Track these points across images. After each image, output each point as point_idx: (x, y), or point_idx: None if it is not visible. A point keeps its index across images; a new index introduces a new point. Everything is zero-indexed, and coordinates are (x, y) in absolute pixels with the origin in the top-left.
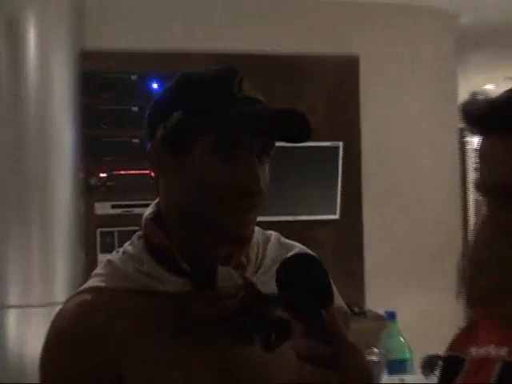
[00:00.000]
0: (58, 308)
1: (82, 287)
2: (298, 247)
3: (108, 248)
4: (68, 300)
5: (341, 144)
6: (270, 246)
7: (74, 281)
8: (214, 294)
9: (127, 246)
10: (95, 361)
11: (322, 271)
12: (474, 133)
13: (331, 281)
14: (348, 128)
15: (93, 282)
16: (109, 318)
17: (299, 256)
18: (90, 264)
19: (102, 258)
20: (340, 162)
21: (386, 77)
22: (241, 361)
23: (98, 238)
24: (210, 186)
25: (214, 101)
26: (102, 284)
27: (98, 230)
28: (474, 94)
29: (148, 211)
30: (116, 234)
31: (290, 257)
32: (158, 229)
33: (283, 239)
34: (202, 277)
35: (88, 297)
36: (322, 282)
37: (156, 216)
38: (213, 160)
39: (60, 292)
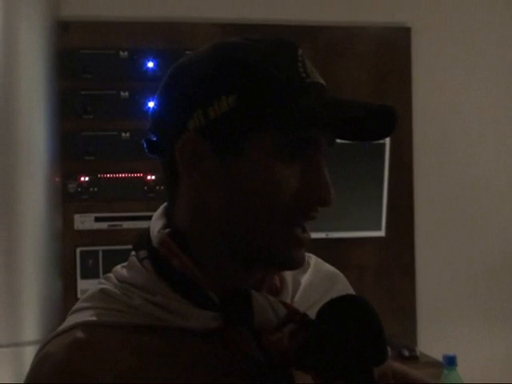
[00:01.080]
0: (26, 349)
1: (66, 325)
2: (312, 265)
3: (91, 272)
4: (49, 342)
5: (387, 141)
6: (311, 265)
7: (48, 315)
8: (252, 329)
9: (121, 270)
10: None
11: (377, 320)
12: None
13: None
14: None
15: (81, 316)
16: (112, 362)
17: (350, 298)
18: (67, 293)
19: (83, 285)
20: (386, 163)
21: (445, 53)
22: None
23: (78, 260)
24: (268, 196)
25: (280, 87)
26: (97, 318)
27: (78, 249)
28: None
29: (158, 224)
30: (101, 254)
31: (338, 298)
32: (179, 248)
33: (314, 257)
34: (236, 308)
35: (80, 335)
36: (375, 334)
37: (174, 231)
38: (274, 162)
39: (29, 329)
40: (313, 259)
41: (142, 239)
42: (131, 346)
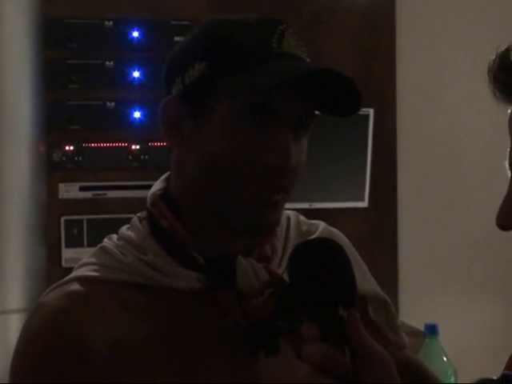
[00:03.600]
0: (12, 317)
1: (67, 277)
2: (322, 228)
3: (75, 241)
4: (47, 293)
5: (371, 111)
6: (291, 229)
7: (32, 284)
8: (235, 292)
9: (125, 230)
10: (87, 367)
11: (343, 260)
12: (503, 101)
13: (355, 271)
14: (380, 91)
15: (81, 271)
16: (105, 315)
17: (314, 241)
18: (52, 261)
19: (68, 253)
20: (370, 134)
21: (430, 23)
22: (263, 372)
23: (63, 229)
24: (229, 161)
25: (247, 55)
26: (94, 274)
27: (63, 218)
28: (504, 53)
29: (156, 186)
30: (85, 223)
31: (304, 242)
32: (167, 209)
33: (303, 218)
34: (220, 271)
35: (77, 287)
36: (341, 273)
37: (166, 193)
38: (236, 128)
39: (14, 297)
40: (322, 225)
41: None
42: (119, 301)
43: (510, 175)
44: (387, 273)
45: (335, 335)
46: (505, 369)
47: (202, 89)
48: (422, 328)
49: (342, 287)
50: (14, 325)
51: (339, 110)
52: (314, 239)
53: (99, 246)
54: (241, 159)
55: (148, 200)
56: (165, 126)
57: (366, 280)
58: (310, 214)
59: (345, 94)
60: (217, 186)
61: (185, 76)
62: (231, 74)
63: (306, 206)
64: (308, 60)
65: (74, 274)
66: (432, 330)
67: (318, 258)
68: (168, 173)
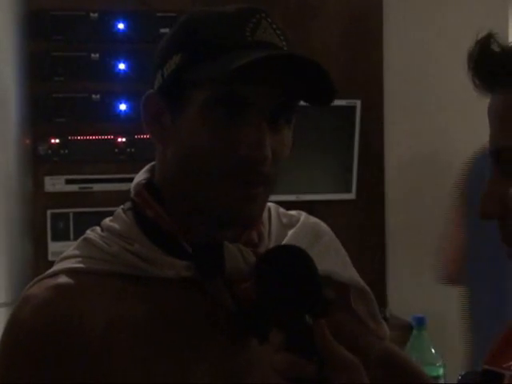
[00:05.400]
0: None
1: (51, 271)
2: (303, 219)
3: (61, 234)
4: (32, 285)
5: (358, 103)
6: (272, 220)
7: (18, 277)
8: (224, 278)
9: (108, 221)
10: (75, 357)
11: (309, 268)
12: (483, 89)
13: (320, 279)
14: (367, 82)
15: (65, 263)
16: (93, 305)
17: (279, 250)
18: (38, 255)
19: (54, 247)
20: (357, 125)
21: (416, 13)
22: (250, 360)
23: (49, 222)
24: (203, 154)
25: (218, 45)
26: (80, 265)
27: (49, 211)
28: (485, 41)
29: (140, 177)
30: (71, 216)
31: (268, 251)
32: (153, 199)
33: (282, 210)
34: (208, 258)
35: (64, 279)
36: (307, 281)
37: (150, 183)
38: (207, 120)
39: (0, 291)
40: (303, 216)
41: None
42: (107, 290)
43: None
44: (375, 265)
45: (302, 344)
46: (485, 363)
47: (177, 81)
48: (409, 320)
49: (308, 296)
50: (0, 318)
51: (318, 99)
52: (279, 248)
53: (82, 237)
54: (213, 151)
55: (132, 190)
56: (146, 120)
57: (347, 269)
58: (297, 206)
59: (318, 81)
60: (194, 178)
61: (163, 69)
62: (202, 65)
63: (292, 198)
64: (285, 48)
65: (58, 267)
66: (420, 322)
67: (282, 268)
68: (152, 163)
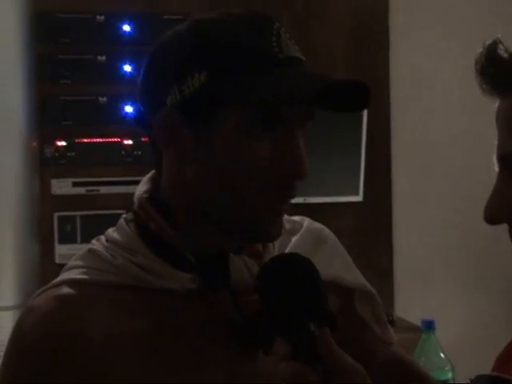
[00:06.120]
0: (5, 313)
1: (55, 281)
2: (306, 225)
3: (68, 237)
4: (36, 296)
5: None
6: None
7: (25, 281)
8: (229, 290)
9: (111, 232)
10: (78, 368)
11: (312, 277)
12: (490, 93)
13: (323, 285)
14: (374, 85)
15: (70, 274)
16: (96, 316)
17: (282, 257)
18: (45, 258)
19: (61, 250)
20: (364, 128)
21: (423, 18)
22: (256, 370)
23: (56, 225)
24: (240, 172)
25: (250, 62)
26: (84, 276)
27: (56, 214)
28: (492, 46)
29: (142, 188)
30: (78, 219)
31: (272, 259)
32: (156, 212)
33: (286, 216)
34: (213, 270)
35: (66, 290)
36: (309, 289)
37: (154, 195)
38: (246, 137)
39: (7, 294)
40: (306, 221)
41: (131, 202)
42: (110, 302)
43: (497, 170)
44: (382, 267)
45: (307, 352)
46: (494, 370)
47: (203, 100)
48: (418, 323)
49: (311, 304)
50: (8, 321)
51: (344, 107)
52: (282, 256)
53: (87, 248)
54: (253, 169)
55: (135, 202)
56: (162, 138)
57: (351, 273)
58: (305, 208)
59: (351, 92)
60: (223, 196)
61: (182, 86)
62: (236, 84)
63: (300, 200)
64: (304, 59)
65: (62, 277)
66: (428, 325)
67: (285, 277)
68: (152, 172)
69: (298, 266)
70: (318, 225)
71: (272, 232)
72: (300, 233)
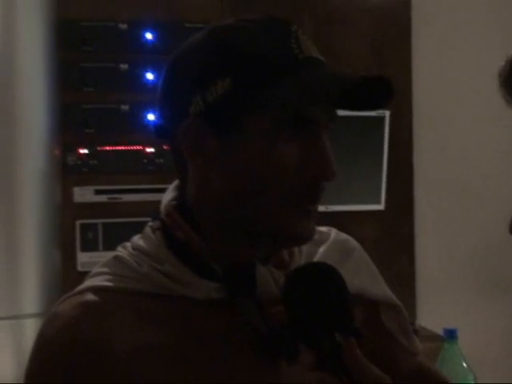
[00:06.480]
0: (27, 321)
1: (80, 287)
2: (333, 236)
3: (90, 245)
4: (60, 302)
5: (387, 113)
6: None
7: (47, 288)
8: (254, 300)
9: (137, 239)
10: (101, 375)
11: (339, 286)
12: None
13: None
14: (396, 93)
15: (95, 280)
16: (120, 324)
17: (310, 266)
18: (67, 266)
19: (83, 257)
20: (386, 137)
21: (445, 25)
22: (280, 381)
23: (78, 233)
24: (269, 175)
25: (272, 66)
26: (109, 283)
27: (78, 221)
28: None
29: (168, 196)
30: (100, 227)
31: (299, 267)
32: (183, 220)
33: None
34: (238, 280)
35: (91, 297)
36: (336, 299)
37: (180, 203)
38: (273, 141)
39: (29, 302)
40: (333, 232)
41: (157, 210)
42: (135, 310)
43: None
44: (404, 276)
45: (333, 362)
46: None
47: (228, 106)
48: (440, 332)
49: (338, 314)
50: (30, 329)
51: (368, 104)
52: (309, 265)
53: (113, 255)
54: (281, 172)
55: (162, 210)
56: (186, 146)
57: (377, 285)
58: (327, 216)
59: (377, 92)
60: (252, 201)
61: (205, 94)
62: (261, 89)
63: (322, 208)
64: (323, 59)
65: (87, 283)
66: (451, 334)
67: (313, 285)
68: (177, 181)
69: (325, 275)
70: (345, 236)
71: (302, 234)
72: (327, 243)
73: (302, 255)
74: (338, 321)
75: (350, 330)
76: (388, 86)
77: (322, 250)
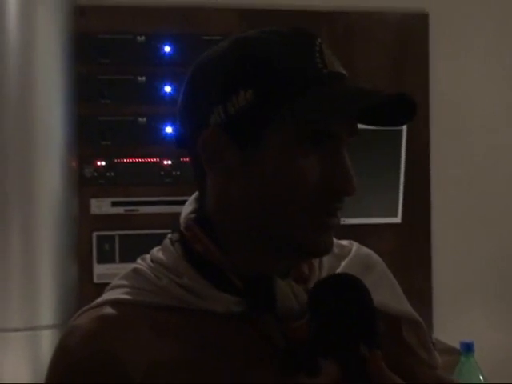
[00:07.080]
0: (44, 332)
1: (99, 300)
2: (355, 250)
3: (107, 257)
4: (79, 315)
5: (404, 127)
6: None
7: (64, 300)
8: (274, 314)
9: (156, 252)
10: None
11: (364, 298)
12: None
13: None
14: None
15: (113, 293)
16: (139, 338)
17: (335, 278)
18: (83, 278)
19: (100, 269)
20: (403, 150)
21: (462, 39)
22: None
23: (95, 245)
24: (290, 188)
25: (296, 79)
26: (127, 297)
27: (95, 233)
28: None
29: (187, 209)
30: (117, 238)
31: (324, 279)
32: (202, 233)
33: (334, 240)
34: (259, 294)
35: (109, 310)
36: (362, 311)
37: (200, 216)
38: (294, 155)
39: (46, 313)
40: (355, 246)
41: (176, 222)
42: (153, 323)
43: None
44: (421, 289)
45: (357, 374)
46: None
47: (249, 118)
48: (456, 346)
49: (363, 326)
50: (47, 340)
51: (389, 121)
52: (335, 276)
53: (132, 267)
54: (302, 186)
55: (181, 223)
56: (205, 156)
57: (399, 301)
58: (343, 229)
59: (399, 108)
60: (271, 213)
61: (227, 105)
62: (284, 102)
63: None
64: (346, 74)
65: (106, 296)
66: (468, 348)
67: (338, 297)
68: (197, 193)
69: (351, 286)
70: (366, 250)
71: (321, 247)
72: (349, 257)
73: (322, 269)
74: (365, 332)
75: (375, 342)
76: (411, 105)
77: (343, 264)
